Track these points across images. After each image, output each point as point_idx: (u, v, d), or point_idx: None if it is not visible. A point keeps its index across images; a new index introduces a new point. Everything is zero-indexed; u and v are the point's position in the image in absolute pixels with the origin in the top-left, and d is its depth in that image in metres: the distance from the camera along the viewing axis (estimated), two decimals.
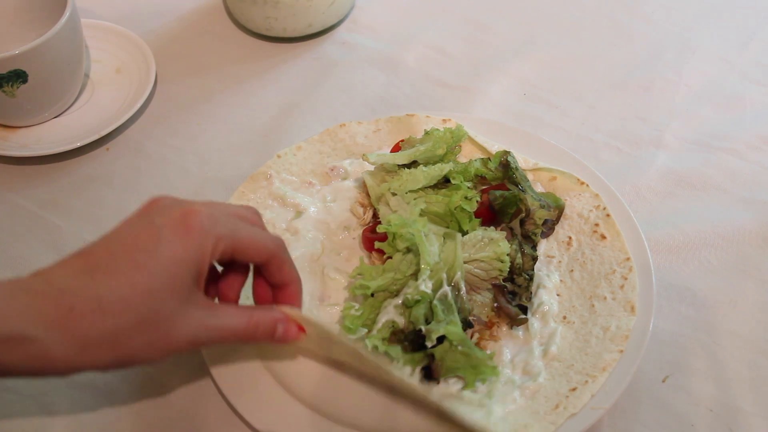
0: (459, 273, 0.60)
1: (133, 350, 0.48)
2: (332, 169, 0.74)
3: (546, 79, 0.88)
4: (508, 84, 0.87)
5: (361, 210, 0.71)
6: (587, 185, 0.69)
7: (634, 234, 0.66)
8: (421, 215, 0.64)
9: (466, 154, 0.73)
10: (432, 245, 0.61)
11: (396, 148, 0.73)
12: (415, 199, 0.66)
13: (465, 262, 0.61)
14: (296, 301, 0.57)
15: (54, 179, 0.79)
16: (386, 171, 0.70)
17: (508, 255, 0.62)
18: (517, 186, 0.67)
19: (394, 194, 0.66)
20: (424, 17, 0.97)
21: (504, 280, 0.62)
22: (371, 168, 0.71)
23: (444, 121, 0.76)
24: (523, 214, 0.66)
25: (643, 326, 0.60)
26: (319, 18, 0.91)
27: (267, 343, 0.56)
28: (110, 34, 0.91)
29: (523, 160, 0.72)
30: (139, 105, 0.82)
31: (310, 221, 0.70)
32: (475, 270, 0.62)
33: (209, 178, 0.78)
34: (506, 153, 0.70)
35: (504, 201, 0.66)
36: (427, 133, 0.72)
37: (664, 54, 0.90)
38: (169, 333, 0.49)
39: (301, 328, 0.55)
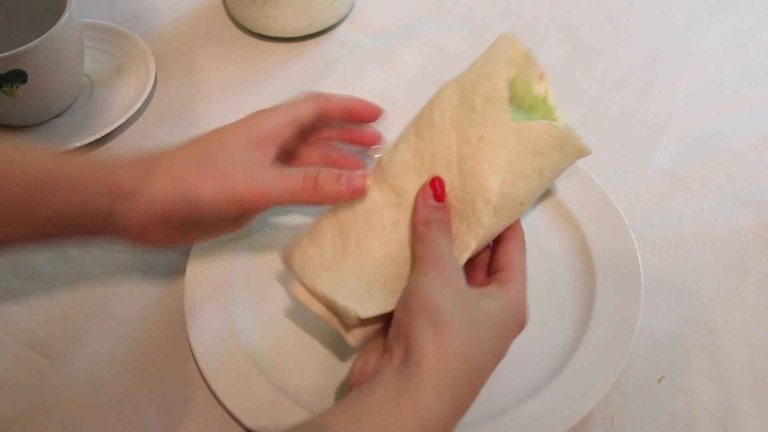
0: None
1: (197, 189, 0.53)
2: None
3: None
4: None
5: None
6: None
7: (623, 232, 0.66)
8: None
9: None
10: None
11: None
12: None
13: None
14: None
15: None
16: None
17: None
18: None
19: None
20: (425, 17, 0.97)
21: None
22: None
23: None
24: None
25: (630, 327, 0.59)
26: (318, 18, 0.91)
27: (333, 203, 0.56)
28: (110, 34, 0.91)
29: None
30: (139, 105, 0.82)
31: None
32: None
33: None
34: None
35: None
36: None
37: (662, 54, 0.90)
38: (233, 179, 0.53)
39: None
